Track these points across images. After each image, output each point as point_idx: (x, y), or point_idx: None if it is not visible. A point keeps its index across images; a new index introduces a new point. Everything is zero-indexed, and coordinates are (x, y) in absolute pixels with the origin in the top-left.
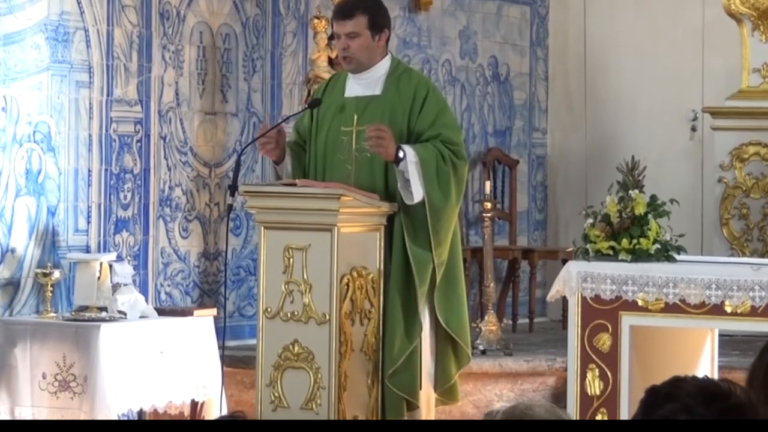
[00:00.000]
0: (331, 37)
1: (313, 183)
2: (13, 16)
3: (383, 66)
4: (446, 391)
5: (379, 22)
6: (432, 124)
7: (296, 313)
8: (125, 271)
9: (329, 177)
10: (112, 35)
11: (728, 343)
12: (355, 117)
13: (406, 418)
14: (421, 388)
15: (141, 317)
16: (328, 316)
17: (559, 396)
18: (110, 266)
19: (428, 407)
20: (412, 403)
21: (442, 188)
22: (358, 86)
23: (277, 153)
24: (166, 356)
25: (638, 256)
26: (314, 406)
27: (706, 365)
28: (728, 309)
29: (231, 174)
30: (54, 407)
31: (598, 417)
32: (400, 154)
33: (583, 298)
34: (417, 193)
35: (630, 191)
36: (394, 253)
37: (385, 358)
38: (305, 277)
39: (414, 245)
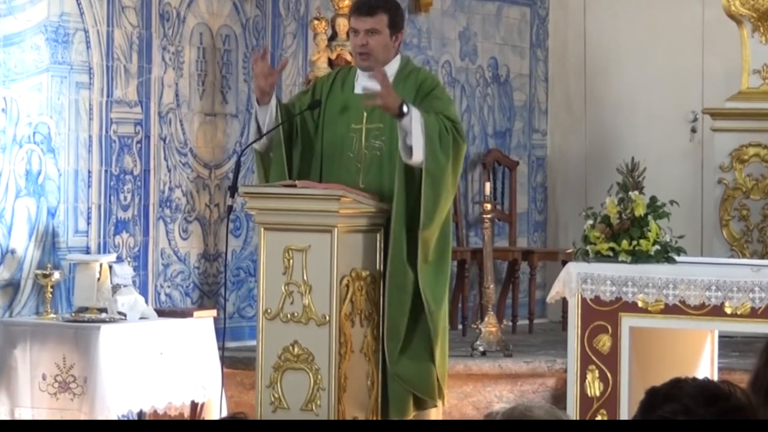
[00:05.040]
0: (331, 38)
1: (313, 184)
2: (13, 17)
3: (394, 65)
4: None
5: (398, 23)
6: (435, 110)
7: (296, 314)
8: (125, 272)
9: (337, 173)
10: (112, 36)
11: (728, 344)
12: (365, 114)
13: (413, 416)
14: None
15: (141, 318)
16: (327, 317)
17: (559, 397)
18: (110, 267)
19: None
20: (424, 402)
21: (443, 150)
22: (369, 84)
23: (267, 88)
24: (166, 357)
25: (638, 257)
26: (314, 407)
27: (706, 366)
28: (728, 310)
29: (231, 175)
30: (54, 408)
31: (598, 418)
32: (404, 109)
33: (583, 300)
34: (417, 149)
35: (630, 192)
36: (392, 253)
37: (392, 353)
38: (305, 278)
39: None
